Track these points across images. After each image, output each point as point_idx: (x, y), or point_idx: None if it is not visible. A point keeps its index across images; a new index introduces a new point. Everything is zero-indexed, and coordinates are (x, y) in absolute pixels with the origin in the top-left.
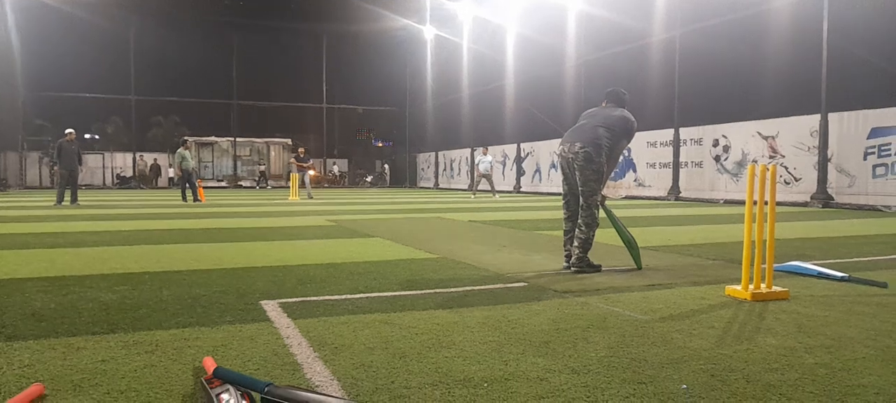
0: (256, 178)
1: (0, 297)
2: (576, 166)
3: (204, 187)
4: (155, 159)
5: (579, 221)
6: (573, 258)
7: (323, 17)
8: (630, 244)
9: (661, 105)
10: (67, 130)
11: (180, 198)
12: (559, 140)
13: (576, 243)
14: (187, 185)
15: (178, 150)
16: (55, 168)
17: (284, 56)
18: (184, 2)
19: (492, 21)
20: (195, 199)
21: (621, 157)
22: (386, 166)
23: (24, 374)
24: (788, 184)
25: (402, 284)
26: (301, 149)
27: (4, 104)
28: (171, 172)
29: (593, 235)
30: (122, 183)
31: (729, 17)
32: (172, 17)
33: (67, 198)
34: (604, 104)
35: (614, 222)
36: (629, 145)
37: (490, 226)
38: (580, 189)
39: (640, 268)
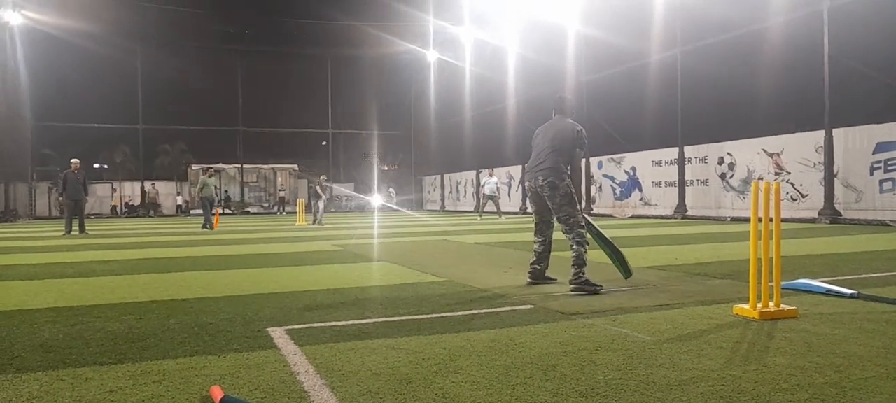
0: (276, 204)
1: (9, 328)
2: (545, 197)
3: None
4: (153, 185)
5: (569, 243)
6: (570, 276)
7: (327, 43)
8: (612, 257)
9: (665, 123)
10: (72, 160)
11: (201, 226)
12: None
13: (571, 263)
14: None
15: (201, 177)
16: (61, 198)
17: (289, 82)
18: (189, 30)
19: (492, 43)
20: (205, 226)
21: (626, 176)
22: (391, 190)
23: None
24: (795, 200)
25: (409, 308)
26: (323, 177)
27: (14, 135)
28: (180, 200)
29: (585, 251)
30: (130, 211)
31: (729, 34)
32: (178, 46)
33: (75, 227)
34: (553, 114)
35: (596, 237)
36: (634, 164)
37: (496, 248)
38: (557, 217)
39: (627, 277)
